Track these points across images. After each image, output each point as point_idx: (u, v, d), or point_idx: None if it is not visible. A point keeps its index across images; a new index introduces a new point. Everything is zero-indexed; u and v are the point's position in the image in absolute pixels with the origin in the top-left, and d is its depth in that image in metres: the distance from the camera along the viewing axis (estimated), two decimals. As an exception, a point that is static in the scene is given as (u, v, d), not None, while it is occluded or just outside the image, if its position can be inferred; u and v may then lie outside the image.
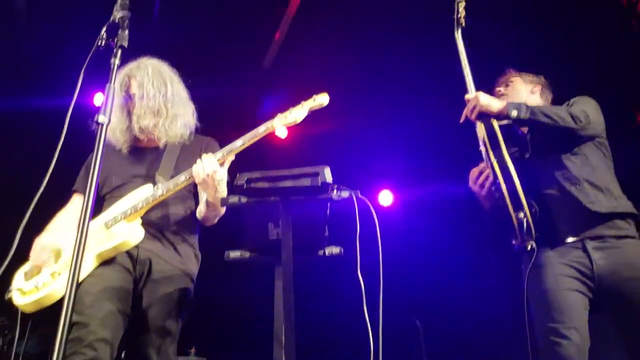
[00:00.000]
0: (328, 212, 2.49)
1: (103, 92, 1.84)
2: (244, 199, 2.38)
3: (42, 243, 2.78)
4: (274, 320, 2.37)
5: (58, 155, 1.84)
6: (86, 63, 1.87)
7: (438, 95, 5.86)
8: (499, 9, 5.08)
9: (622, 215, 2.76)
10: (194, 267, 2.94)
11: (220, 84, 5.78)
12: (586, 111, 2.85)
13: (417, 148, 6.45)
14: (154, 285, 2.76)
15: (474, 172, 2.96)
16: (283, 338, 2.25)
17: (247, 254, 2.56)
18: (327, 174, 2.36)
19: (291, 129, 2.91)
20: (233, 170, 2.70)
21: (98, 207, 2.87)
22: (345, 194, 2.37)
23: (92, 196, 1.66)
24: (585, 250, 2.70)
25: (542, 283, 2.71)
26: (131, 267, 2.75)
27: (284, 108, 2.83)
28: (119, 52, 1.87)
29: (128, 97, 2.96)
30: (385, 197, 6.84)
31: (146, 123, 2.94)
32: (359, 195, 2.38)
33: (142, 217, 2.81)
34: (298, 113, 2.82)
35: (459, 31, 3.16)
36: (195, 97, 3.17)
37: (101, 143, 1.75)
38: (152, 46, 3.17)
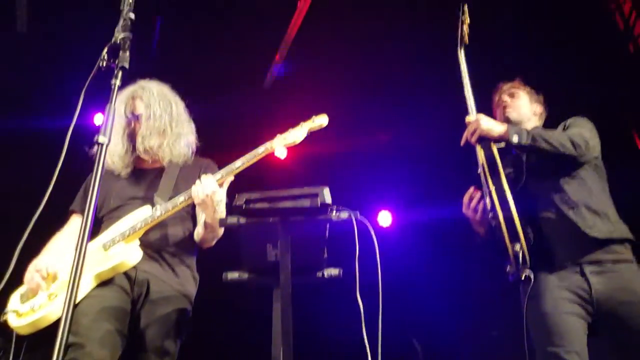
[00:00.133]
0: (327, 233, 2.48)
1: (103, 112, 1.84)
2: (242, 220, 2.37)
3: (38, 266, 2.76)
4: (272, 342, 2.35)
5: (57, 176, 1.83)
6: (87, 84, 1.87)
7: (438, 116, 5.89)
8: (500, 25, 5.12)
9: (620, 241, 2.75)
10: (191, 289, 2.93)
11: (220, 104, 5.80)
12: (585, 136, 2.83)
13: (416, 169, 6.46)
14: (152, 306, 2.75)
15: (466, 197, 2.94)
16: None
17: (245, 276, 2.54)
18: (327, 195, 2.35)
19: (290, 149, 2.92)
20: (231, 191, 2.70)
21: (95, 229, 2.86)
22: (344, 214, 2.36)
23: (90, 217, 1.65)
24: (583, 274, 2.69)
25: (541, 307, 2.69)
26: (129, 288, 2.74)
27: (283, 129, 2.84)
28: (120, 73, 1.87)
29: (134, 118, 2.97)
30: (385, 218, 6.83)
31: (152, 143, 2.95)
32: (359, 216, 2.37)
33: (140, 238, 2.80)
34: (297, 134, 2.84)
35: (462, 50, 3.14)
36: (195, 117, 3.18)
37: (101, 163, 1.74)
38: (152, 67, 3.19)
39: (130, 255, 2.72)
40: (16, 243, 1.80)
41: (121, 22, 1.95)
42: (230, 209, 2.46)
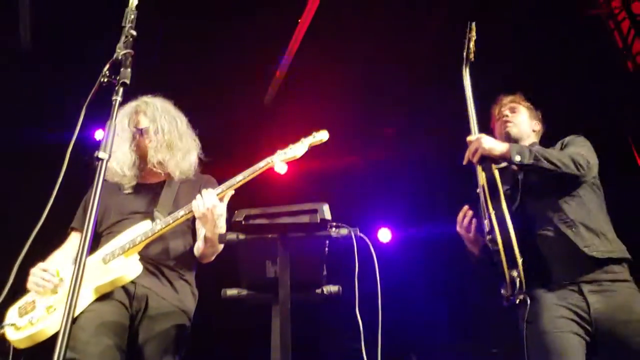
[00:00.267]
0: (326, 249, 2.48)
1: (103, 128, 1.85)
2: (242, 236, 2.37)
3: (44, 266, 2.76)
4: (271, 359, 2.34)
5: (57, 191, 1.83)
6: (88, 100, 1.88)
7: (438, 134, 5.91)
8: (500, 41, 5.14)
9: (618, 260, 2.74)
10: (190, 304, 2.92)
11: (221, 119, 5.83)
12: (585, 156, 2.83)
13: (416, 186, 6.47)
14: (150, 321, 2.74)
15: (460, 216, 2.93)
16: (280, 377, 2.21)
17: (244, 292, 2.53)
18: (326, 211, 2.35)
19: (290, 165, 2.93)
20: (231, 207, 2.70)
21: (95, 243, 2.85)
22: (344, 231, 2.35)
23: (90, 230, 1.66)
24: (581, 293, 2.68)
25: (540, 326, 2.68)
26: (128, 303, 2.74)
27: (283, 144, 2.85)
28: (121, 89, 1.88)
29: (138, 132, 2.98)
30: (384, 235, 6.82)
31: (162, 157, 2.97)
32: (358, 233, 2.37)
33: (140, 252, 2.80)
34: (298, 149, 2.85)
35: (467, 68, 3.12)
36: (196, 132, 3.19)
37: (101, 178, 1.75)
38: (153, 82, 3.20)
39: (130, 269, 2.71)
40: (16, 258, 1.80)
41: (123, 38, 1.96)
42: (230, 225, 2.46)
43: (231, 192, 2.82)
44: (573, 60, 5.50)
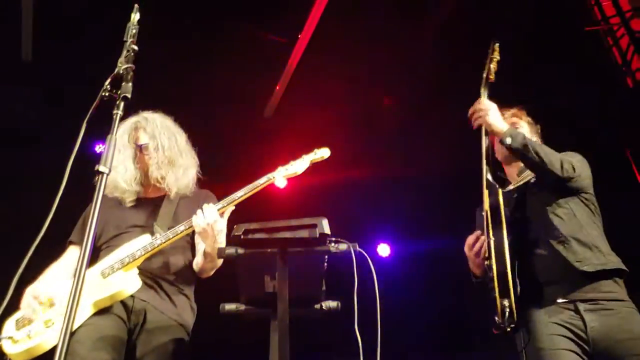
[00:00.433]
0: (326, 264, 2.47)
1: (103, 143, 1.85)
2: (240, 250, 2.36)
3: (35, 293, 2.75)
4: (269, 374, 2.33)
5: (58, 204, 1.83)
6: (89, 114, 1.89)
7: (439, 149, 5.92)
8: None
9: (611, 273, 2.73)
10: (189, 319, 2.91)
11: (222, 134, 5.84)
12: (574, 164, 2.84)
13: (415, 201, 6.46)
14: (148, 335, 2.73)
15: (471, 239, 2.90)
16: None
17: (242, 307, 2.52)
18: (325, 226, 2.35)
19: (290, 180, 2.94)
20: (230, 221, 2.70)
21: (93, 257, 2.85)
22: (343, 246, 2.35)
23: (90, 243, 1.66)
24: (578, 312, 2.67)
25: (537, 343, 2.67)
26: (126, 317, 2.73)
27: (284, 157, 2.86)
28: (122, 103, 1.88)
29: (137, 148, 2.99)
30: (383, 250, 6.82)
31: (163, 173, 2.97)
32: (357, 248, 2.37)
33: (139, 266, 2.80)
34: (299, 166, 2.86)
35: (486, 90, 3.01)
36: (195, 147, 3.20)
37: (100, 192, 1.75)
38: (152, 96, 3.21)
39: (129, 283, 2.71)
40: (15, 271, 1.80)
41: (124, 53, 1.97)
42: (229, 239, 2.46)
43: (232, 207, 2.83)
44: (572, 76, 5.52)
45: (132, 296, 2.73)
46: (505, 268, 2.70)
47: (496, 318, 2.69)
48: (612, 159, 5.46)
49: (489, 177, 2.99)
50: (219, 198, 2.92)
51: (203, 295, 3.04)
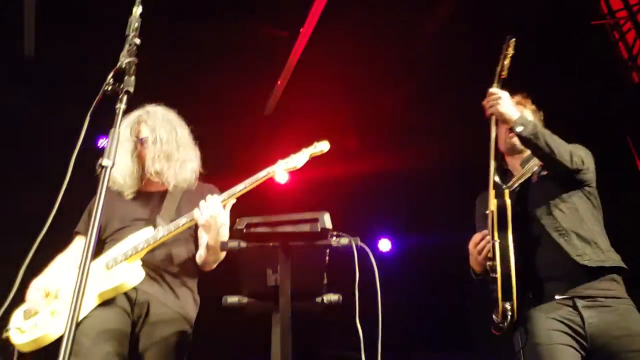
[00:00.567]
0: (327, 258, 2.49)
1: (106, 137, 1.85)
2: (243, 244, 2.38)
3: (39, 285, 2.78)
4: (271, 367, 2.35)
5: (61, 198, 1.85)
6: (92, 108, 1.90)
7: (440, 144, 5.92)
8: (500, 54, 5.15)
9: (610, 270, 2.73)
10: (192, 311, 2.93)
11: (222, 129, 5.85)
12: (583, 157, 2.84)
13: (416, 196, 6.47)
14: (152, 328, 2.75)
15: (477, 236, 2.89)
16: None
17: (244, 300, 2.53)
18: (327, 220, 2.37)
19: (292, 174, 2.95)
20: (232, 216, 2.72)
21: (98, 249, 2.88)
22: (344, 240, 2.36)
23: (94, 235, 1.67)
24: (575, 308, 2.68)
25: (535, 337, 2.68)
26: (129, 309, 2.75)
27: (284, 154, 2.87)
28: (125, 97, 1.89)
29: (139, 141, 3.00)
30: (384, 245, 6.84)
31: (159, 166, 2.98)
32: (359, 243, 2.38)
33: (142, 259, 2.82)
34: (298, 159, 2.87)
35: (499, 86, 2.97)
36: (197, 142, 3.21)
37: (104, 185, 1.76)
38: (153, 92, 3.22)
39: (132, 275, 2.74)
40: (21, 263, 1.82)
41: (126, 47, 1.98)
42: (231, 233, 2.47)
43: (233, 200, 2.84)
44: (576, 70, 5.51)
45: (135, 288, 2.75)
46: (510, 271, 2.70)
47: (495, 317, 2.70)
48: (616, 154, 5.45)
49: (497, 178, 2.98)
50: (221, 193, 2.93)
51: (206, 288, 3.06)
